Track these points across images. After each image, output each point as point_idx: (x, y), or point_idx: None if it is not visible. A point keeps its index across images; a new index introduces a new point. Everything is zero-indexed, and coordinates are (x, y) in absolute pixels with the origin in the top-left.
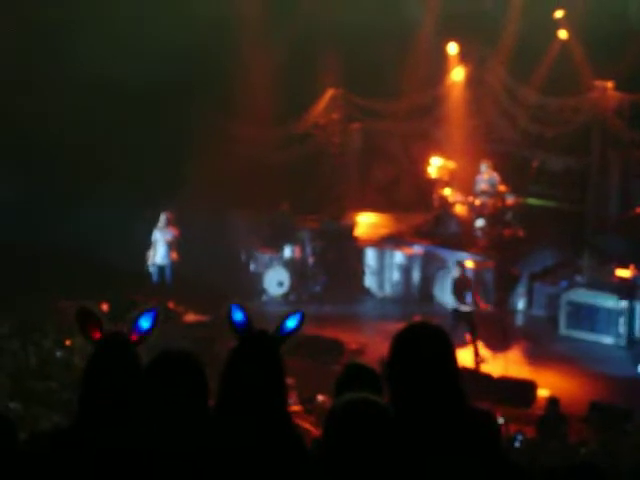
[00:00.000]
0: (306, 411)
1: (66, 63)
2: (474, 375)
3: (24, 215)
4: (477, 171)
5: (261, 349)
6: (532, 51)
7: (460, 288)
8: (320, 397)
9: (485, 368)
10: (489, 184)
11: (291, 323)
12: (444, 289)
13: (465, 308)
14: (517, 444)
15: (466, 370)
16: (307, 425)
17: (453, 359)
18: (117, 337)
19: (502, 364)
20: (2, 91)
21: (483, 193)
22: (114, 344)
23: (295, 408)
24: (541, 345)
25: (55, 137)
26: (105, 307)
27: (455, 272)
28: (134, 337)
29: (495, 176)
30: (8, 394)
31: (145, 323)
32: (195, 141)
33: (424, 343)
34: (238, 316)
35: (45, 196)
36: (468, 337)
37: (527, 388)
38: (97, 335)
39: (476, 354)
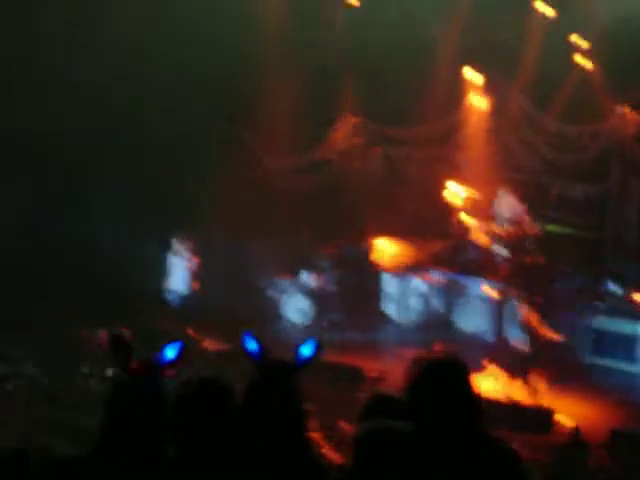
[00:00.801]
0: (326, 437)
1: (88, 87)
2: (492, 402)
3: (40, 239)
4: (495, 198)
5: (278, 379)
6: (551, 78)
7: None
8: (341, 424)
9: (504, 395)
10: (509, 212)
11: (307, 351)
12: (463, 316)
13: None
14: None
15: (484, 397)
16: (327, 452)
17: (470, 389)
18: (144, 367)
19: (522, 391)
20: (23, 109)
21: (503, 220)
22: (140, 374)
23: (315, 435)
24: (562, 372)
25: (70, 157)
26: (127, 334)
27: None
28: (160, 367)
29: (515, 204)
30: (24, 421)
31: (171, 354)
32: (214, 168)
33: (440, 375)
34: (252, 345)
35: (61, 220)
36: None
37: (545, 415)
38: (128, 364)
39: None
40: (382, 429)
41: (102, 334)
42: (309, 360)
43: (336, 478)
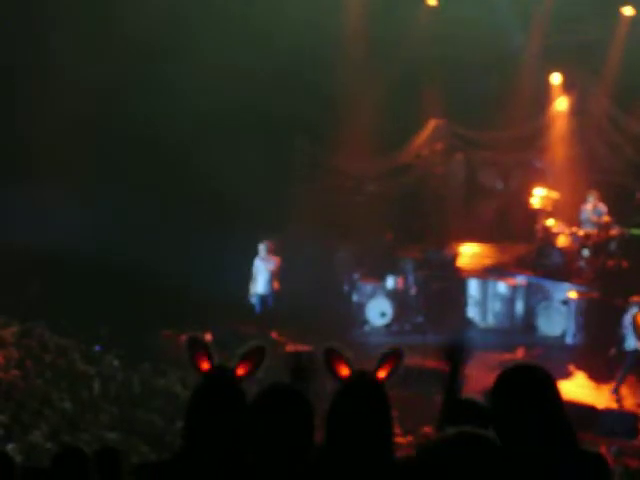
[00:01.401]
0: (409, 443)
1: (176, 94)
2: (577, 407)
3: (123, 245)
4: (580, 201)
5: (363, 394)
6: (636, 80)
7: None
8: (425, 428)
9: (589, 400)
10: (596, 215)
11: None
12: (547, 320)
13: None
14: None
15: (569, 402)
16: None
17: (556, 399)
18: (224, 371)
19: (607, 396)
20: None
21: (589, 223)
22: (221, 378)
23: (399, 440)
24: None
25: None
26: (209, 337)
27: (634, 310)
28: (240, 371)
29: (602, 207)
30: (109, 423)
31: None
32: (298, 173)
33: (524, 380)
34: None
35: (143, 227)
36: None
37: (632, 420)
38: (206, 366)
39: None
40: (466, 436)
41: (184, 338)
42: (393, 372)
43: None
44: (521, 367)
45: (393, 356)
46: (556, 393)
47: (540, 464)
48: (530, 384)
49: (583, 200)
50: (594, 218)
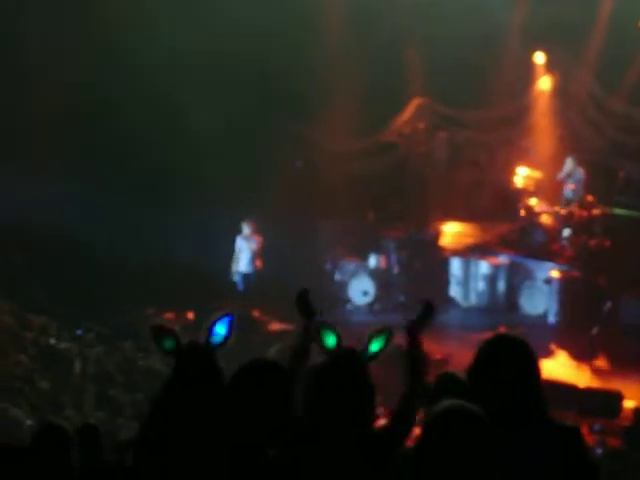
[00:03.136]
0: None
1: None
2: (559, 386)
3: (106, 223)
4: (562, 181)
5: (350, 368)
6: (619, 60)
7: None
8: None
9: (571, 379)
10: (575, 181)
11: (221, 329)
12: (529, 299)
13: None
14: (599, 452)
15: (551, 381)
16: None
17: (536, 370)
18: (194, 347)
19: (588, 375)
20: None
21: (568, 202)
22: (191, 354)
23: (383, 420)
24: (629, 357)
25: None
26: (191, 315)
27: None
28: (212, 344)
29: (581, 172)
30: (93, 402)
31: (221, 330)
32: (280, 151)
33: (506, 355)
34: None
35: (126, 204)
36: None
37: (613, 399)
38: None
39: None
40: (459, 408)
41: (169, 317)
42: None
43: (405, 460)
44: (502, 339)
45: (383, 335)
46: (534, 365)
47: (516, 437)
48: (509, 356)
49: (564, 180)
50: (571, 186)
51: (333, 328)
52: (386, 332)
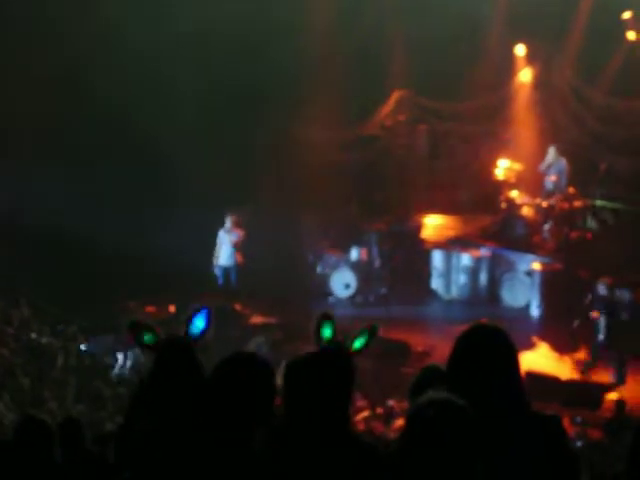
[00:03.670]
0: (375, 414)
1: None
2: (541, 378)
3: (86, 217)
4: (544, 173)
5: (337, 364)
6: (599, 52)
7: None
8: (390, 401)
9: (553, 371)
10: (558, 171)
11: (200, 323)
12: (511, 291)
13: None
14: (579, 444)
15: (533, 373)
16: (376, 427)
17: (514, 361)
18: (173, 340)
19: (570, 367)
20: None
21: (550, 194)
22: (171, 347)
23: (366, 412)
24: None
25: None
26: (172, 309)
27: None
28: (190, 337)
29: (563, 161)
30: (74, 395)
31: (200, 323)
32: (262, 143)
33: (484, 345)
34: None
35: (106, 198)
36: None
37: (595, 391)
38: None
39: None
40: (442, 400)
41: (150, 310)
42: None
43: (388, 452)
44: (479, 329)
45: (368, 332)
46: (512, 353)
47: (496, 427)
48: (487, 346)
49: (545, 172)
50: (553, 178)
51: (332, 321)
52: (371, 328)
